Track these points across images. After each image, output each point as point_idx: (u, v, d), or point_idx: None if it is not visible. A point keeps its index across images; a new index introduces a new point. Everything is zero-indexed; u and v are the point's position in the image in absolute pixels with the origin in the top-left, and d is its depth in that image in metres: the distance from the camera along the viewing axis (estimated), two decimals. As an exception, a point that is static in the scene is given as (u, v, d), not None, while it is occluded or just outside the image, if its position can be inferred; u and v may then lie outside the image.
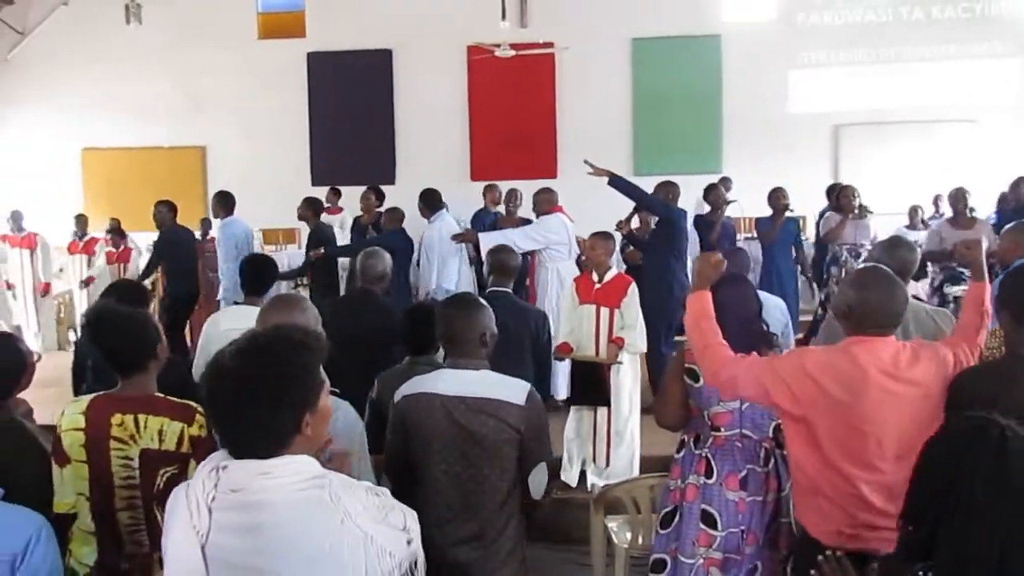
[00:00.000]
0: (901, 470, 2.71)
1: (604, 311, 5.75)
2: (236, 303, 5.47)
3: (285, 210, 8.93)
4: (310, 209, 8.65)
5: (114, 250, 10.95)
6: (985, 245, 7.30)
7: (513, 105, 13.48)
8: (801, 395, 2.80)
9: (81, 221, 10.93)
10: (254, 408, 1.82)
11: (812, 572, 2.28)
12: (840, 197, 8.74)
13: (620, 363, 5.70)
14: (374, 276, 5.00)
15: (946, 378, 2.87)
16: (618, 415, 5.75)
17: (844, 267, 8.14)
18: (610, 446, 5.73)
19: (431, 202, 8.10)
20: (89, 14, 13.34)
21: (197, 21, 13.38)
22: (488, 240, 7.26)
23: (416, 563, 2.02)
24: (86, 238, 10.94)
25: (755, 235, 9.29)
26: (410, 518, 2.01)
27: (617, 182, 6.86)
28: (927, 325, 3.79)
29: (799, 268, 9.08)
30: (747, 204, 9.45)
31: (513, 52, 11.70)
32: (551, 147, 13.60)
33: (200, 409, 2.83)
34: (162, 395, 2.93)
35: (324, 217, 11.04)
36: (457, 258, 7.92)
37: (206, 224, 11.79)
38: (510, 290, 5.02)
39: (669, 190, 7.37)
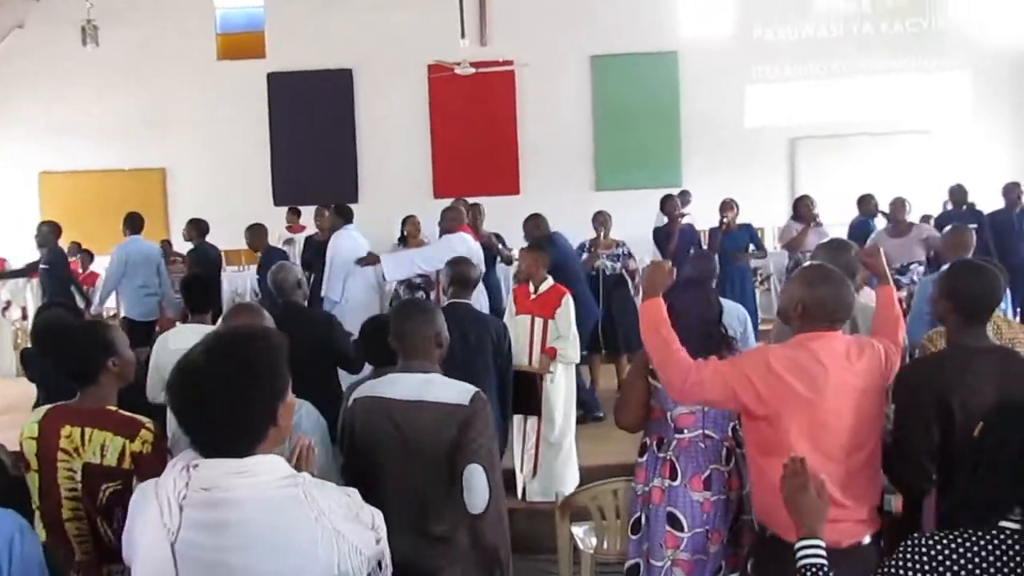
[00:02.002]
0: (854, 462, 2.80)
1: (538, 321, 5.82)
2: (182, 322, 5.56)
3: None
4: (195, 230, 8.83)
5: (81, 272, 10.92)
6: (922, 253, 7.43)
7: (474, 122, 13.55)
8: (767, 394, 2.81)
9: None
10: (229, 405, 1.83)
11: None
12: (799, 207, 8.90)
13: (552, 373, 5.75)
14: (290, 288, 5.03)
15: (882, 372, 2.94)
16: (550, 425, 5.76)
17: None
18: (538, 455, 5.75)
19: (344, 214, 8.22)
20: (45, 36, 13.25)
21: (155, 42, 13.33)
22: (390, 263, 7.35)
23: (382, 562, 2.05)
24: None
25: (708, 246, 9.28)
26: (378, 517, 2.03)
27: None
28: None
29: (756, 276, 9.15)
30: (705, 217, 9.52)
31: (473, 70, 11.76)
32: (513, 163, 13.72)
33: (148, 424, 2.83)
34: (114, 409, 2.91)
35: (281, 237, 11.26)
36: (348, 275, 7.90)
37: (166, 246, 11.72)
38: (470, 301, 5.03)
39: (538, 223, 7.53)
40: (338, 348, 4.90)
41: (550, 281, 5.97)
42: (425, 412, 2.90)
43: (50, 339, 3.01)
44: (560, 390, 5.84)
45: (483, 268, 7.48)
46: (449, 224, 7.65)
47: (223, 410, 1.83)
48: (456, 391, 2.96)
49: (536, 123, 13.60)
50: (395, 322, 3.14)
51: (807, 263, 3.68)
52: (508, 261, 9.29)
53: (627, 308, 7.58)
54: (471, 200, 9.95)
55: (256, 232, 8.61)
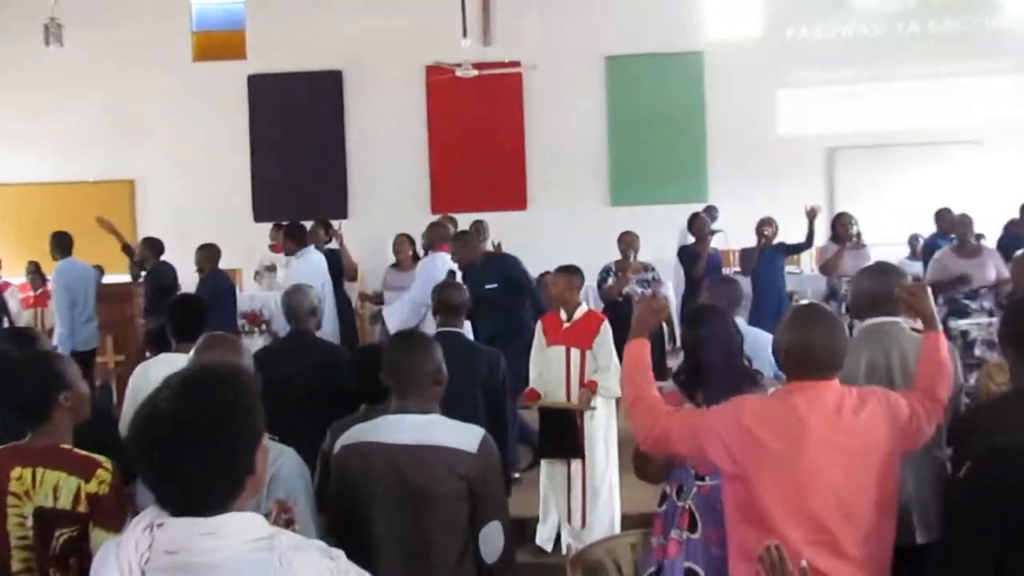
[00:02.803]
0: (850, 530, 2.75)
1: (575, 352, 5.77)
2: (163, 350, 5.48)
3: (226, 250, 8.90)
4: (148, 248, 8.85)
5: (32, 294, 10.90)
6: (993, 275, 7.46)
7: (477, 130, 13.60)
8: (737, 450, 2.82)
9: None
10: (202, 455, 1.82)
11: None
12: (836, 225, 8.95)
13: (594, 409, 5.70)
14: (304, 313, 5.01)
15: (898, 429, 2.89)
16: (593, 468, 5.72)
17: (844, 301, 8.18)
18: (586, 503, 5.67)
19: (296, 236, 8.22)
20: (3, 35, 13.34)
21: (125, 42, 13.38)
22: (393, 317, 7.41)
23: None
24: (-2, 280, 10.61)
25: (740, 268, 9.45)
26: None
27: None
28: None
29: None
30: (734, 234, 9.56)
31: (476, 72, 11.87)
32: (520, 175, 13.79)
33: (105, 464, 2.85)
34: (68, 447, 2.92)
35: (268, 256, 11.42)
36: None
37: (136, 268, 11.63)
38: (460, 330, 5.06)
39: (435, 231, 7.70)
40: (344, 388, 4.77)
41: (584, 307, 5.96)
42: (429, 457, 2.93)
43: None
44: (600, 427, 5.78)
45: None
46: (434, 241, 7.77)
47: (194, 462, 1.82)
48: (461, 434, 3.00)
49: (545, 131, 13.66)
50: (390, 357, 3.15)
51: (804, 301, 3.62)
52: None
53: (654, 338, 7.55)
54: (474, 216, 10.09)
55: (207, 252, 8.62)
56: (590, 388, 5.69)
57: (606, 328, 5.78)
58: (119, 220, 12.97)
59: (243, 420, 1.88)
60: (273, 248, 11.81)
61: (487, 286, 6.86)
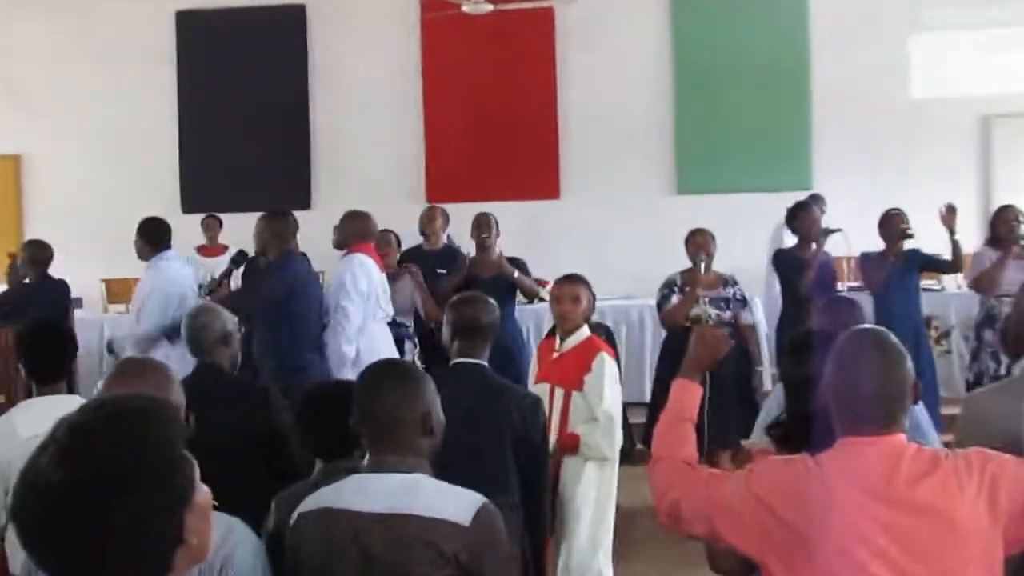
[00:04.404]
0: None
1: (559, 393, 5.95)
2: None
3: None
4: (35, 256, 9.21)
5: None
6: None
7: (491, 89, 13.51)
8: (751, 527, 2.95)
9: None
10: (110, 530, 1.84)
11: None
12: (996, 224, 8.85)
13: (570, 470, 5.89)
14: (213, 340, 5.18)
15: (1000, 513, 2.84)
16: (569, 554, 5.87)
17: (1006, 330, 7.88)
18: None
19: (152, 236, 8.37)
20: None
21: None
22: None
23: None
24: None
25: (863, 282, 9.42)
26: None
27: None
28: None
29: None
30: (850, 234, 9.30)
31: (491, 7, 11.77)
32: (549, 152, 13.67)
33: None
34: None
35: (195, 261, 11.68)
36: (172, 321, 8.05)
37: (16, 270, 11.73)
38: (485, 362, 5.06)
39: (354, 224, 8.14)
40: (277, 438, 4.97)
41: (585, 331, 6.08)
42: (405, 531, 3.03)
43: None
44: (587, 498, 5.89)
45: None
46: (351, 239, 8.07)
47: (98, 540, 1.83)
48: (453, 502, 3.10)
49: (586, 91, 13.50)
50: (361, 397, 3.28)
51: (867, 327, 3.48)
52: (532, 297, 9.51)
53: (735, 381, 7.77)
54: (483, 206, 10.08)
55: (36, 248, 9.10)
56: (568, 444, 5.83)
57: (602, 362, 5.91)
58: (2, 202, 13.82)
59: (162, 477, 1.90)
60: (203, 251, 12.15)
61: None
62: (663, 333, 8.57)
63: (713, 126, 13.53)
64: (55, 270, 9.68)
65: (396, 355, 7.70)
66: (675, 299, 8.23)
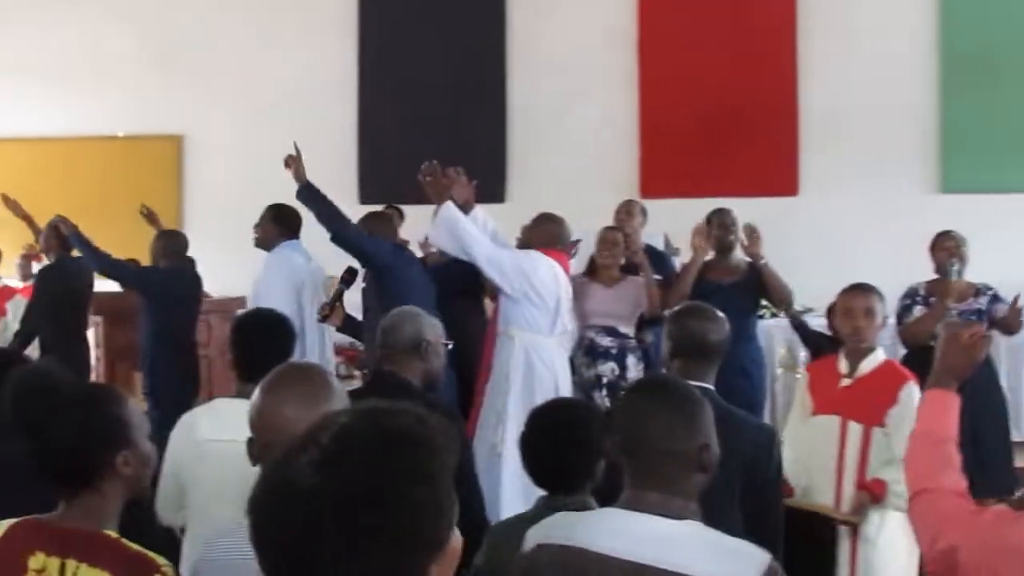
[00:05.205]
0: None
1: (854, 429, 5.70)
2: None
3: (314, 246, 8.76)
4: (55, 237, 9.52)
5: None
6: None
7: (719, 65, 12.84)
8: None
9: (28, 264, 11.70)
10: (356, 554, 1.83)
11: None
12: None
13: (863, 521, 5.69)
14: (401, 347, 5.20)
15: None
16: None
17: None
18: None
19: (287, 221, 8.60)
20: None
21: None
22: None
23: None
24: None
25: None
26: None
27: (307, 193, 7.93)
28: None
29: None
30: None
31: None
32: (787, 142, 13.08)
33: (165, 568, 3.00)
34: (115, 536, 3.06)
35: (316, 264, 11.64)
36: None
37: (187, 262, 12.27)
38: (712, 386, 4.87)
39: (371, 225, 8.17)
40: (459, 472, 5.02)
41: (879, 355, 5.84)
42: None
43: (28, 409, 3.29)
44: (893, 558, 5.61)
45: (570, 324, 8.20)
46: (534, 242, 7.97)
47: (339, 566, 1.83)
48: (733, 560, 2.96)
49: (833, 71, 12.90)
50: (624, 420, 3.25)
51: None
52: (784, 305, 9.05)
53: (992, 406, 7.73)
54: (712, 203, 9.56)
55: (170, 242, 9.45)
56: (872, 492, 5.62)
57: (910, 394, 5.62)
58: (159, 193, 13.41)
59: (420, 509, 1.87)
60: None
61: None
62: (901, 350, 8.15)
63: (987, 116, 12.69)
64: (214, 260, 9.95)
65: (567, 373, 7.75)
66: (918, 311, 7.94)
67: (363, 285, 8.23)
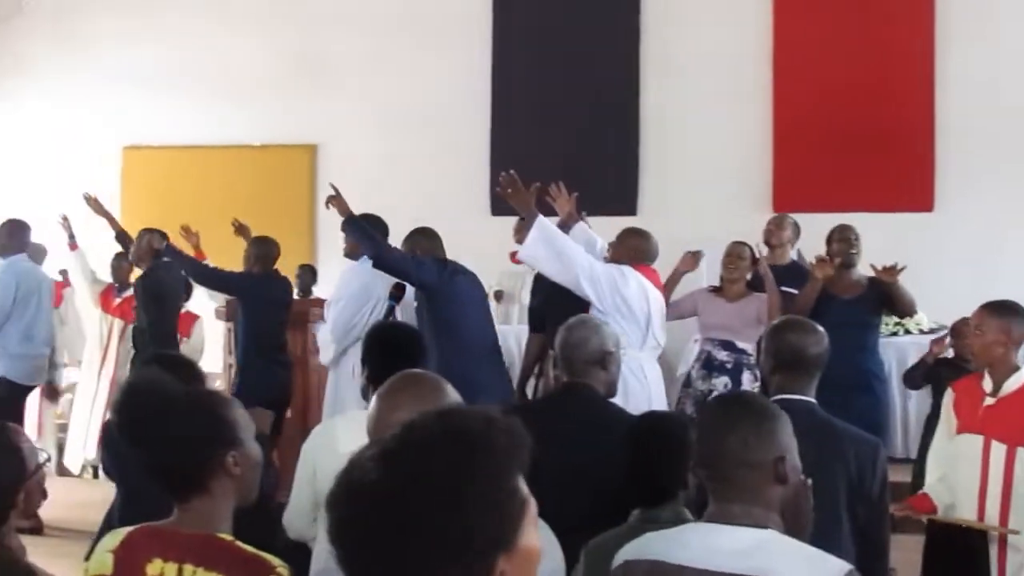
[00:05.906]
0: None
1: (997, 449, 5.60)
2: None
3: (460, 247, 8.69)
4: (147, 244, 9.44)
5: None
6: None
7: (855, 76, 12.68)
8: None
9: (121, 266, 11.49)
10: (409, 547, 1.87)
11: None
12: None
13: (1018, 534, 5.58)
14: (586, 359, 5.11)
15: None
16: None
17: None
18: None
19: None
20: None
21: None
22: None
23: None
24: (126, 293, 11.28)
25: None
26: None
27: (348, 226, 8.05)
28: None
29: None
30: None
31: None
32: (924, 156, 12.84)
33: (280, 569, 3.05)
34: (230, 539, 3.11)
35: (509, 269, 11.31)
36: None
37: (306, 272, 12.28)
38: (813, 399, 4.84)
39: (416, 242, 8.14)
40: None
41: (1021, 375, 5.73)
42: None
43: (141, 417, 3.19)
44: None
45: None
46: (620, 256, 7.90)
47: (397, 557, 1.88)
48: (813, 568, 2.98)
49: (973, 77, 12.59)
50: (703, 434, 3.26)
51: None
52: (907, 316, 9.21)
53: None
54: (838, 218, 9.38)
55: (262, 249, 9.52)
56: None
57: None
58: (294, 203, 13.82)
59: (483, 506, 1.89)
60: (513, 257, 11.67)
61: None
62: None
63: None
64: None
65: (661, 387, 7.72)
66: None
67: (415, 303, 8.28)
